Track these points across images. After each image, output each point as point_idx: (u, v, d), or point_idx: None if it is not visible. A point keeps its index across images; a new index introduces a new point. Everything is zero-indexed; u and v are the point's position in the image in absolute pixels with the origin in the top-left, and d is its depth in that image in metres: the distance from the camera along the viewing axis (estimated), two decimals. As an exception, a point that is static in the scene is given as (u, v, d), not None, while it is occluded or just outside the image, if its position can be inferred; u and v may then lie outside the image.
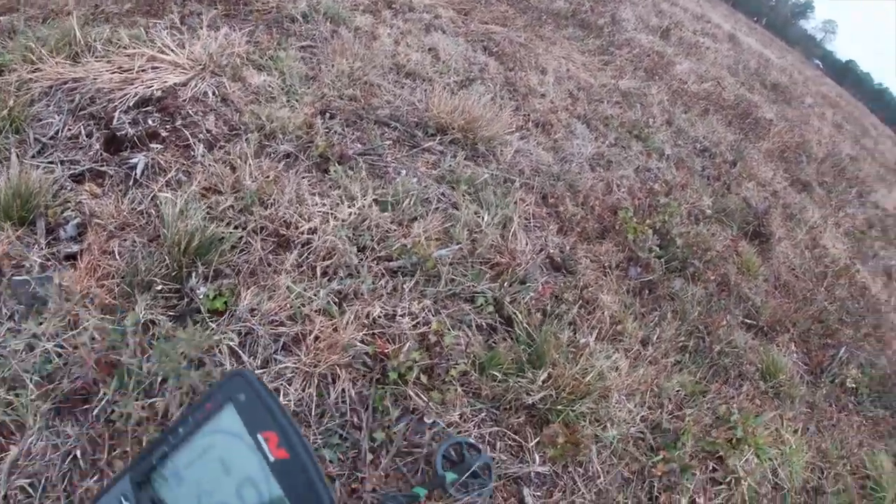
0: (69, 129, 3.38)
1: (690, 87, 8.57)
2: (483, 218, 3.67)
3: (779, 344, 4.82)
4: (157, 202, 3.09)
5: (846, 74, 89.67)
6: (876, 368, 5.44)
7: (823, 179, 9.78)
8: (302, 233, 3.19)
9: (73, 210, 2.92)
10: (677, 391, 3.60)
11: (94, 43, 3.94)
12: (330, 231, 3.18)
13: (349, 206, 3.36)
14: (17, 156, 3.02)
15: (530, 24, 7.28)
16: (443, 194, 3.84)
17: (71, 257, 2.72)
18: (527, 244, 3.75)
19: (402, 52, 5.21)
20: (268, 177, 3.42)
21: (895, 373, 5.65)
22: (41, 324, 2.36)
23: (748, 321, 4.75)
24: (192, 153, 3.44)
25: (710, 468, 3.44)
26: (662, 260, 4.36)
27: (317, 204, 3.34)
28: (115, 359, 2.29)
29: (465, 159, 4.20)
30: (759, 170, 7.50)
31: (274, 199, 3.29)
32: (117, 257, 2.76)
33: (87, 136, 3.36)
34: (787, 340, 4.99)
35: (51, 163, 3.14)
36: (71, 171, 3.12)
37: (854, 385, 5.01)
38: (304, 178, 3.54)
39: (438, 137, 4.30)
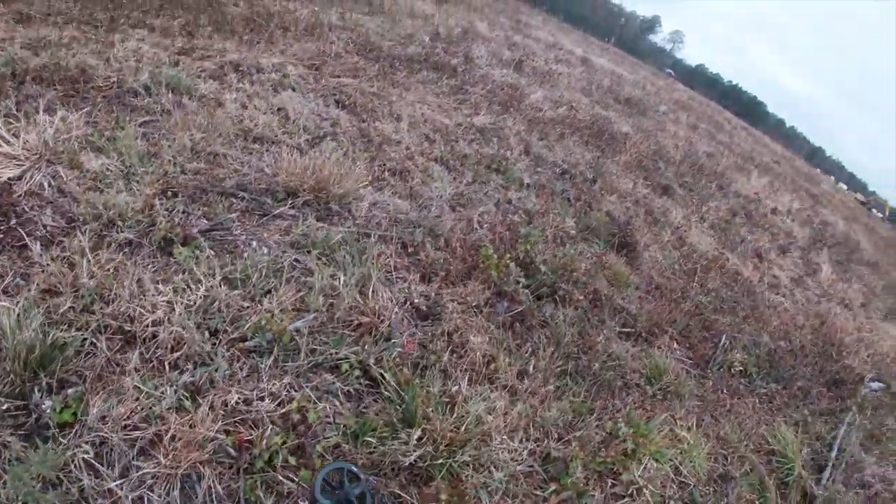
0: None
1: (546, 113, 8.80)
2: (339, 280, 3.53)
3: (660, 346, 4.89)
4: (-5, 312, 2.87)
5: (697, 78, 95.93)
6: (760, 347, 5.65)
7: (684, 180, 10.23)
8: (147, 326, 2.96)
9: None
10: (562, 417, 3.54)
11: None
12: (176, 320, 2.97)
13: (196, 290, 3.15)
14: None
15: (382, 73, 7.27)
16: (296, 261, 3.69)
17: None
18: (389, 299, 3.63)
19: (250, 115, 5.05)
20: (107, 270, 3.17)
21: (780, 346, 5.86)
22: None
23: (626, 330, 4.80)
24: (29, 253, 3.18)
25: (609, 485, 3.38)
26: (529, 289, 4.34)
27: (161, 292, 3.11)
28: (-30, 488, 2.12)
29: (317, 220, 4.07)
30: (619, 183, 7.73)
31: (115, 294, 3.05)
32: (-41, 378, 2.49)
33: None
34: (668, 340, 5.07)
35: None
36: None
37: (742, 367, 5.18)
38: (147, 264, 3.32)
39: (290, 201, 4.16)
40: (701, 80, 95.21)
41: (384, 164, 5.27)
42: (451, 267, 4.16)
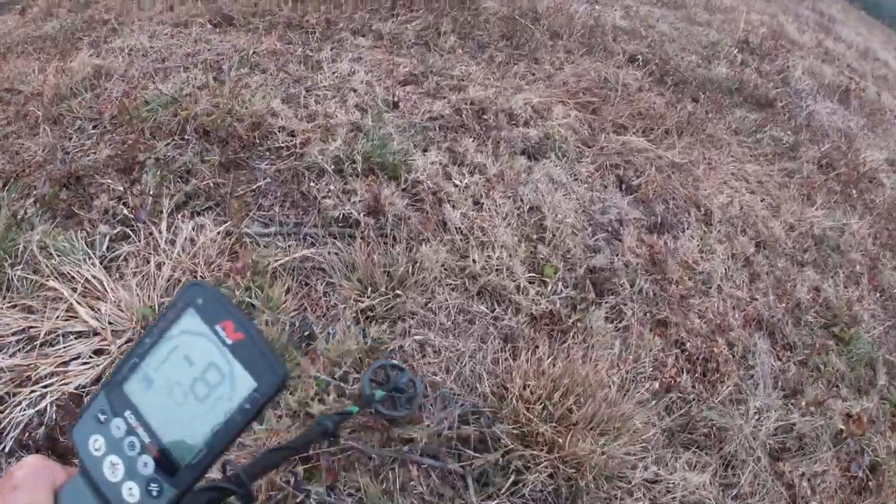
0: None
1: (890, 193, 5.48)
2: None
3: None
4: None
5: None
6: None
7: None
8: None
9: None
10: None
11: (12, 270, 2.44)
12: None
13: None
14: None
15: (685, 121, 4.54)
16: None
17: None
18: None
19: (481, 226, 2.83)
20: None
21: None
22: None
23: None
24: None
25: None
26: None
27: None
28: None
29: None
30: None
31: None
32: None
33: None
34: None
35: None
36: None
37: None
38: None
39: (512, 479, 1.92)
40: None
41: (681, 343, 2.85)
42: None
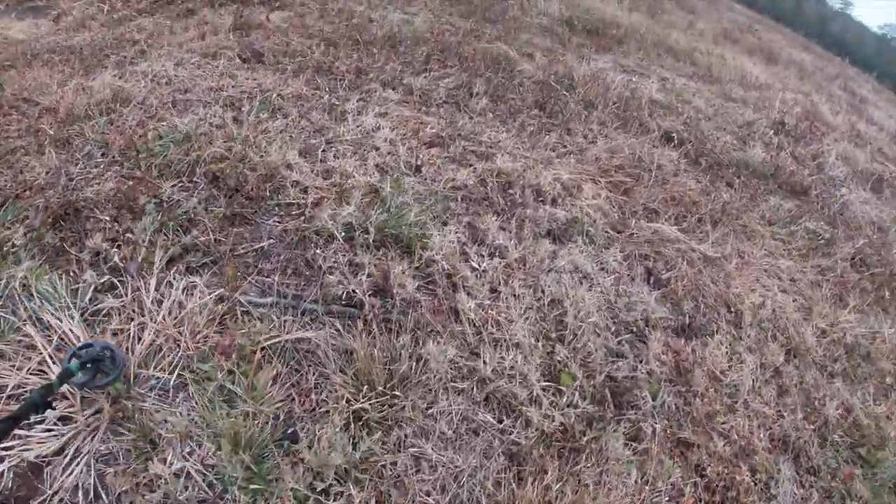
0: None
1: None
2: None
3: None
4: None
5: None
6: None
7: None
8: None
9: None
10: None
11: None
12: None
13: None
14: None
15: (720, 210, 4.27)
16: None
17: None
18: None
19: (496, 319, 2.56)
20: None
21: None
22: None
23: None
24: None
25: None
26: None
27: None
28: None
29: None
30: None
31: None
32: None
33: None
34: None
35: None
36: None
37: None
38: None
39: None
40: None
41: (702, 468, 2.59)
42: None
